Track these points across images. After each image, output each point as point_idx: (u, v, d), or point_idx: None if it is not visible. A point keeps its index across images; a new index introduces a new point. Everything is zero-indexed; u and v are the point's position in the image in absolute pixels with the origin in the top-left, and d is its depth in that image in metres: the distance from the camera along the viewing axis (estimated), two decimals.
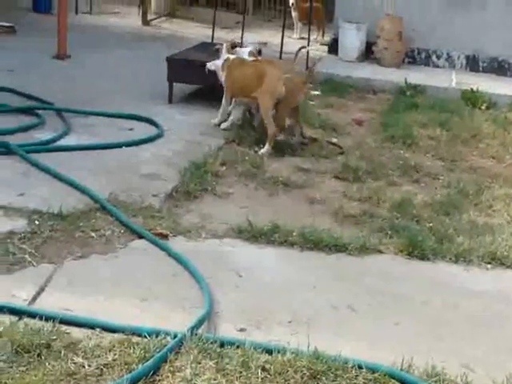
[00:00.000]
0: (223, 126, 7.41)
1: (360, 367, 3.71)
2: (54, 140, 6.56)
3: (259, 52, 8.01)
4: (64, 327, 3.78)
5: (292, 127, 7.25)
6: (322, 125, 7.87)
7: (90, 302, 4.11)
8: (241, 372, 3.58)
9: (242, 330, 4.01)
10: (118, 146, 6.59)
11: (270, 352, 3.75)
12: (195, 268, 4.53)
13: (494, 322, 4.43)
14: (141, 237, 4.94)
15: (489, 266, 5.12)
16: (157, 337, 3.75)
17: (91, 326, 3.83)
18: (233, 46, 7.63)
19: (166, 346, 3.69)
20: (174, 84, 8.32)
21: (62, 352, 3.58)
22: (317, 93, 7.24)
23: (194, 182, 5.87)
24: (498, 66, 11.40)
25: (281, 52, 10.39)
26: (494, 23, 11.29)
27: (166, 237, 4.98)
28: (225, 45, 7.63)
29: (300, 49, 8.00)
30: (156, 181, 5.92)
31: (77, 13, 13.32)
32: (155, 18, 14.05)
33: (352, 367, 3.69)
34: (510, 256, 5.19)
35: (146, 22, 13.46)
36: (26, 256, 4.52)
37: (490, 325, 4.39)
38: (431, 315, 4.42)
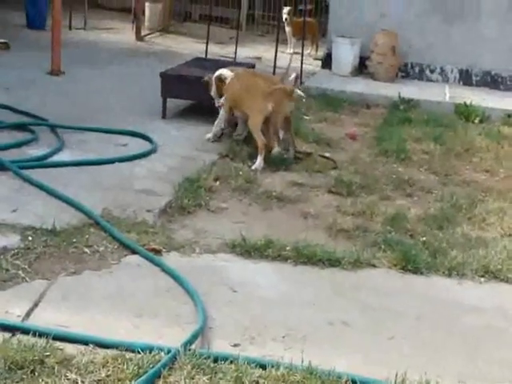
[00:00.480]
0: (207, 136, 7.49)
1: (354, 382, 3.72)
2: (47, 156, 6.57)
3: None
4: (57, 343, 3.78)
5: (286, 141, 7.27)
6: (315, 139, 7.88)
7: (84, 317, 4.11)
8: None
9: (235, 345, 4.01)
10: (112, 161, 6.61)
11: (263, 367, 3.76)
12: (189, 283, 4.54)
13: (488, 336, 4.44)
14: (134, 252, 4.95)
15: (482, 279, 5.13)
16: (150, 352, 3.75)
17: (85, 341, 3.83)
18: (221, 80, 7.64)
19: (159, 361, 3.69)
20: (169, 99, 8.34)
21: (56, 368, 3.58)
22: (300, 93, 7.26)
23: (187, 198, 5.88)
24: (491, 79, 11.45)
25: (274, 67, 10.42)
26: (487, 37, 11.35)
27: (159, 252, 4.99)
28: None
29: (290, 60, 8.11)
30: (150, 196, 5.93)
31: (70, 29, 13.34)
32: (149, 34, 14.09)
33: (346, 382, 3.70)
34: (504, 269, 5.20)
35: (139, 38, 13.50)
36: (20, 272, 4.52)
37: (485, 339, 4.40)
38: (425, 330, 4.43)
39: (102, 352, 3.77)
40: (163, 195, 5.96)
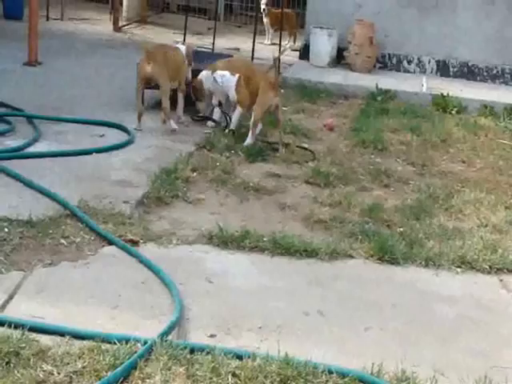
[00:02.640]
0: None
1: (330, 372, 3.73)
2: (23, 147, 6.52)
3: None
4: (33, 335, 3.76)
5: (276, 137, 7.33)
6: (293, 130, 7.87)
7: (60, 309, 4.09)
8: (211, 378, 3.59)
9: (212, 336, 4.01)
10: (89, 152, 6.58)
11: (240, 358, 3.76)
12: (165, 274, 4.53)
13: (464, 326, 4.46)
14: (111, 243, 4.93)
15: (459, 269, 5.16)
16: (127, 343, 3.74)
17: (60, 333, 3.81)
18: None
19: (135, 352, 3.68)
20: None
21: (31, 360, 3.56)
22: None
23: (164, 189, 5.85)
24: (469, 70, 11.48)
25: (252, 58, 10.41)
26: (464, 28, 11.38)
27: (136, 243, 4.97)
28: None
29: (276, 59, 8.16)
30: (127, 187, 5.91)
31: (48, 19, 13.24)
32: (127, 25, 14.00)
33: (322, 372, 3.71)
34: (480, 260, 5.22)
35: (117, 29, 13.41)
36: None
37: (461, 329, 4.43)
38: (402, 320, 4.45)
39: (78, 343, 3.76)
40: (140, 186, 5.94)
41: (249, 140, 7.21)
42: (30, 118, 7.29)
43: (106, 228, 5.08)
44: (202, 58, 9.08)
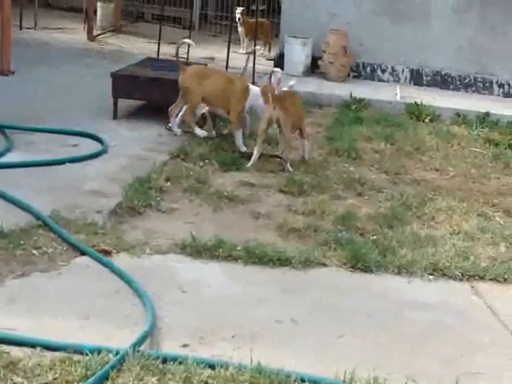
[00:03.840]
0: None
1: (303, 380, 3.74)
2: None
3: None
4: (4, 346, 3.74)
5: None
6: (267, 139, 7.86)
7: (32, 320, 4.07)
8: None
9: (185, 345, 4.01)
10: (62, 162, 6.55)
11: (212, 367, 3.76)
12: (138, 284, 4.52)
13: (437, 333, 4.49)
14: (84, 254, 4.91)
15: (431, 277, 5.19)
16: (98, 354, 3.73)
17: (31, 344, 3.79)
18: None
19: (107, 363, 3.67)
20: (120, 100, 8.29)
21: (1, 372, 3.53)
22: None
23: (138, 198, 5.84)
24: (442, 79, 11.57)
25: (227, 67, 10.41)
26: (437, 37, 11.47)
27: (109, 253, 4.96)
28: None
29: (247, 63, 8.16)
30: (100, 197, 5.89)
31: (21, 28, 13.20)
32: (101, 34, 13.99)
33: (295, 381, 3.72)
34: (452, 267, 5.26)
35: (91, 38, 13.39)
36: None
37: (433, 336, 4.45)
38: (375, 327, 4.46)
39: (49, 355, 3.74)
40: (113, 196, 5.92)
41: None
42: (1, 128, 7.26)
43: (78, 238, 5.07)
44: (176, 68, 9.12)
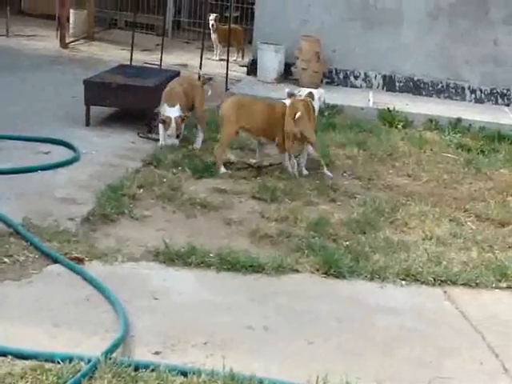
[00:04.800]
0: None
1: None
2: None
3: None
4: None
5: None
6: (240, 146, 7.90)
7: (2, 328, 4.06)
8: None
9: (157, 353, 4.01)
10: (34, 170, 6.53)
11: (185, 374, 3.77)
12: (110, 292, 4.51)
13: (408, 338, 4.52)
14: (56, 261, 4.90)
15: (403, 282, 5.22)
16: (70, 362, 3.73)
17: (2, 353, 3.78)
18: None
19: (79, 371, 3.67)
20: (92, 107, 8.27)
21: None
22: None
23: (110, 206, 5.84)
24: (414, 85, 11.64)
25: (199, 74, 10.39)
26: (409, 43, 11.55)
27: (81, 261, 4.95)
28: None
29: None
30: (72, 205, 5.88)
31: None
32: (74, 41, 13.95)
33: None
34: (424, 272, 5.30)
35: (64, 45, 13.34)
36: None
37: (405, 341, 4.48)
38: (347, 333, 4.49)
39: (20, 363, 3.73)
40: (85, 203, 5.91)
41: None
42: None
43: (50, 246, 5.06)
44: (150, 74, 9.13)
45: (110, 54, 13.05)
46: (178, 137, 7.63)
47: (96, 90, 8.29)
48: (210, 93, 8.42)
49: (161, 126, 7.64)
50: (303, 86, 11.16)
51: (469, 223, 6.45)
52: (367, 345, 4.35)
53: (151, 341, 4.11)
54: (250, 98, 7.91)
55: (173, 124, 7.49)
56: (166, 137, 7.58)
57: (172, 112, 7.52)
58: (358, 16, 11.61)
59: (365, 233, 5.98)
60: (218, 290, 4.83)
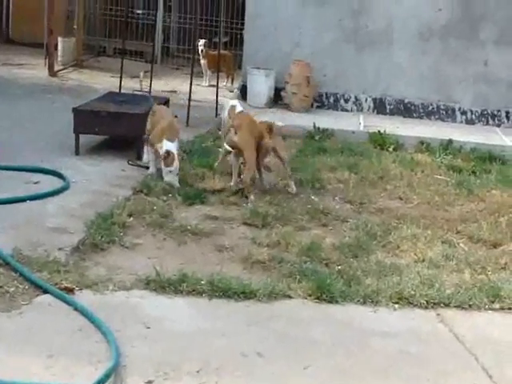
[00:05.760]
0: None
1: None
2: None
3: None
4: None
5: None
6: (229, 171, 7.92)
7: None
8: None
9: (149, 382, 4.03)
10: (23, 199, 6.56)
11: None
12: (101, 321, 4.53)
13: (403, 361, 4.55)
14: (46, 292, 4.91)
15: (396, 305, 5.25)
16: None
17: None
18: None
19: None
20: (82, 135, 8.31)
21: None
22: None
23: (100, 234, 5.86)
24: (405, 107, 11.74)
25: (189, 100, 10.46)
26: (400, 65, 11.66)
27: (72, 291, 4.97)
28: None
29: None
30: (62, 234, 5.90)
31: None
32: (62, 69, 14.02)
33: None
34: (417, 295, 5.33)
35: (52, 73, 13.42)
36: None
37: (400, 364, 4.51)
38: (342, 357, 4.52)
39: None
40: (75, 232, 5.94)
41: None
42: None
43: (40, 276, 5.07)
44: (139, 101, 9.18)
45: (99, 81, 13.12)
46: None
47: (85, 119, 8.33)
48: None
49: (150, 153, 7.65)
50: (293, 111, 11.33)
51: (461, 245, 6.49)
52: (362, 369, 4.38)
53: (144, 369, 4.12)
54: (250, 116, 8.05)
55: (176, 160, 7.35)
56: (167, 172, 7.35)
57: (173, 147, 7.42)
58: (349, 39, 11.73)
59: (357, 257, 6.02)
60: (210, 317, 4.86)
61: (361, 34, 11.71)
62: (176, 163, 7.34)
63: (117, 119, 8.31)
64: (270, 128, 7.63)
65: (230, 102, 8.24)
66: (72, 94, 11.66)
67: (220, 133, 8.50)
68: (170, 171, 7.34)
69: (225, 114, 8.01)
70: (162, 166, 7.40)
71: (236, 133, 7.30)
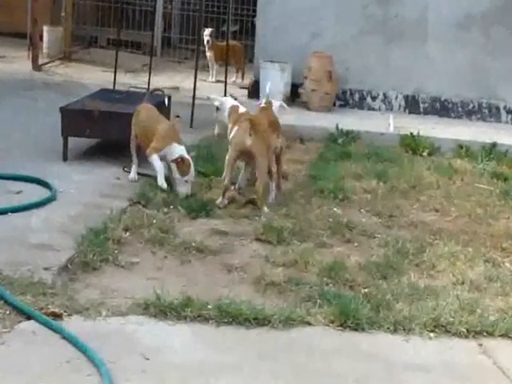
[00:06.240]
0: None
1: None
2: None
3: None
4: None
5: None
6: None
7: None
8: None
9: None
10: (3, 212, 6.59)
11: None
12: (93, 352, 4.54)
13: None
14: (30, 318, 4.93)
15: (432, 334, 5.24)
16: None
17: None
18: None
19: None
20: (70, 138, 8.35)
21: None
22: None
23: (92, 252, 5.88)
24: (441, 106, 11.74)
25: (193, 98, 10.50)
26: (436, 59, 11.67)
27: (59, 316, 4.98)
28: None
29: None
30: (48, 251, 5.92)
31: None
32: (48, 63, 14.09)
33: None
34: (456, 322, 5.31)
35: (37, 67, 13.49)
36: None
37: None
38: None
39: None
40: (64, 250, 5.95)
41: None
42: None
43: (23, 300, 5.09)
44: (136, 100, 9.19)
45: (90, 76, 13.18)
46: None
47: (75, 119, 8.37)
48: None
49: (158, 163, 7.55)
50: (313, 110, 11.34)
51: (506, 264, 6.49)
52: None
53: None
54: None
55: (192, 166, 7.36)
56: (183, 183, 7.36)
57: (184, 152, 7.42)
58: (377, 28, 11.75)
59: (386, 278, 6.02)
60: (217, 347, 4.86)
61: (389, 23, 11.71)
62: (192, 171, 7.36)
63: (111, 120, 8.34)
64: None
65: (229, 101, 8.18)
66: (59, 90, 11.72)
67: (215, 131, 8.43)
68: (187, 181, 7.35)
69: (223, 115, 7.94)
70: (176, 176, 7.40)
71: (250, 135, 7.26)
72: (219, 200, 7.26)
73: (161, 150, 7.50)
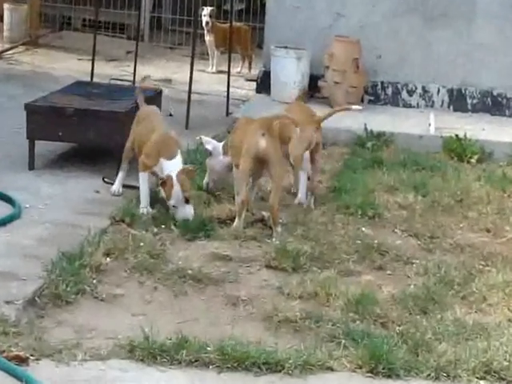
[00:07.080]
0: None
1: None
2: None
3: None
4: None
5: None
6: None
7: None
8: None
9: None
10: None
11: None
12: None
13: None
14: None
15: (482, 382, 5.25)
16: None
17: None
18: None
19: None
20: (38, 142, 8.37)
21: None
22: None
23: (65, 282, 5.89)
24: (493, 102, 11.73)
25: (189, 92, 10.52)
26: (487, 45, 11.64)
27: (25, 361, 5.00)
28: None
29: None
30: (11, 282, 5.94)
31: None
32: (10, 49, 14.15)
33: None
34: (511, 367, 5.33)
35: None
36: None
37: None
38: None
39: None
40: (30, 279, 5.97)
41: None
42: None
43: None
44: (120, 95, 9.22)
45: (63, 66, 13.23)
46: (187, 201, 7.32)
47: (43, 119, 8.39)
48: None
49: (145, 185, 7.56)
50: (336, 106, 11.34)
51: None
52: None
53: None
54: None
55: (176, 187, 7.21)
56: (173, 209, 7.33)
57: (177, 168, 7.34)
58: (414, 8, 11.74)
59: (426, 313, 6.03)
60: None
61: (431, 1, 11.73)
62: (178, 193, 7.22)
63: (88, 120, 8.35)
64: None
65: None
66: (24, 83, 11.76)
67: (205, 181, 8.30)
68: (174, 206, 7.29)
69: (217, 162, 7.89)
70: (144, 185, 7.51)
71: (263, 134, 7.25)
72: (236, 224, 7.26)
73: (151, 166, 7.46)
